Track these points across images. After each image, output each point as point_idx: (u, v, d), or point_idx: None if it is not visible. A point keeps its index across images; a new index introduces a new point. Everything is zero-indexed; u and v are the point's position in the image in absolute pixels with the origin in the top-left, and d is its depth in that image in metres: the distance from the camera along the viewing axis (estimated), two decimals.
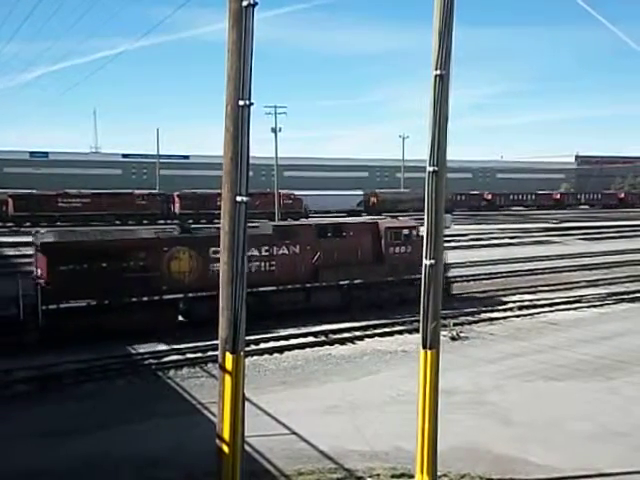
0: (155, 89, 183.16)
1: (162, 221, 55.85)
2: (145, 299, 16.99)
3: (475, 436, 10.48)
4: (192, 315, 17.68)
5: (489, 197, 79.01)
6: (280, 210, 49.24)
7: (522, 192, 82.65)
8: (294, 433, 10.49)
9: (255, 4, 6.50)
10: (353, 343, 16.91)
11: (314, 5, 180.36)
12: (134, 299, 16.81)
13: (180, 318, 18.03)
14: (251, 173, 6.86)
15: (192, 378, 13.72)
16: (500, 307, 21.03)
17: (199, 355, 15.07)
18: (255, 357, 15.18)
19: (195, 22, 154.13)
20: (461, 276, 25.71)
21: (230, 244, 6.88)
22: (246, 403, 7.53)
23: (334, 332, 17.54)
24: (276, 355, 15.57)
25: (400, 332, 17.77)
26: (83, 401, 12.32)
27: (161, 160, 78.48)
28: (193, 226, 23.00)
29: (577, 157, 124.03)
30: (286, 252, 19.36)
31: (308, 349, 16.17)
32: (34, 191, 57.42)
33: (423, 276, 7.84)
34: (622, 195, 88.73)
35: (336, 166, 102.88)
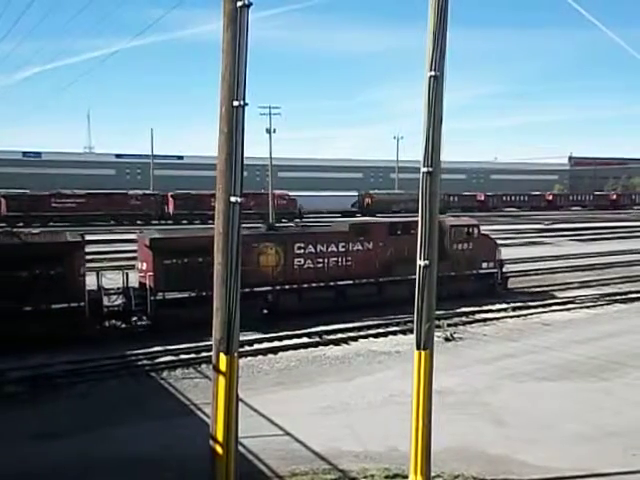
0: (149, 89, 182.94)
1: (156, 222, 55.77)
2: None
3: (469, 436, 10.50)
4: (279, 307, 18.99)
5: (482, 198, 79.13)
6: (274, 210, 49.22)
7: (514, 193, 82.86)
8: (288, 434, 10.48)
9: (250, 5, 6.50)
10: (347, 344, 16.91)
11: (307, 6, 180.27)
12: None
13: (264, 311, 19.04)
14: (245, 173, 6.85)
15: (186, 379, 13.68)
16: (494, 308, 21.09)
17: (193, 356, 15.03)
18: (249, 358, 15.15)
19: (189, 22, 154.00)
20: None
21: (224, 245, 6.86)
22: (240, 404, 7.50)
23: (328, 333, 17.55)
24: (270, 356, 15.55)
25: (394, 333, 17.79)
26: (75, 401, 12.27)
27: (155, 160, 78.36)
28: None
29: (570, 158, 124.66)
30: (361, 248, 20.59)
31: (302, 350, 16.16)
32: (27, 191, 57.20)
33: (417, 277, 7.85)
34: (614, 196, 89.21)
35: (331, 167, 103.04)
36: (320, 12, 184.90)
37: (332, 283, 19.81)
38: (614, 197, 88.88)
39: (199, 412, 11.29)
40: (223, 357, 6.92)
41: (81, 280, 16.25)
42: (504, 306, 21.19)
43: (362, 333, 17.73)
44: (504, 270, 23.78)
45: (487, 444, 10.22)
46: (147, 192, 62.88)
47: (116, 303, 17.14)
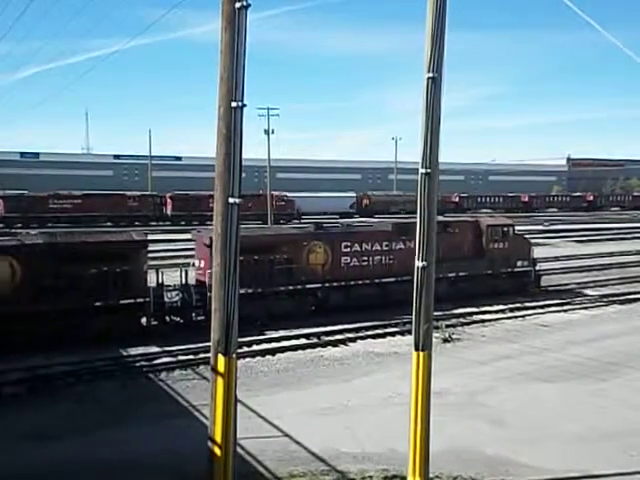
0: (148, 90, 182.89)
1: (154, 223, 55.71)
2: (290, 288, 19.15)
3: (467, 438, 10.51)
4: (329, 302, 19.89)
5: (456, 199, 77.26)
6: (272, 212, 49.20)
7: (490, 194, 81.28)
8: (286, 435, 10.47)
9: (248, 6, 6.50)
10: (345, 345, 16.91)
11: (306, 7, 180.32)
12: (281, 288, 18.93)
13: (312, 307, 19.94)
14: (244, 174, 6.85)
15: (184, 380, 13.66)
16: (492, 309, 21.11)
17: (191, 357, 15.02)
18: (247, 359, 15.14)
19: (188, 23, 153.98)
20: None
21: (222, 246, 6.85)
22: (238, 405, 7.50)
23: (326, 334, 17.54)
24: (268, 357, 15.55)
25: (392, 334, 17.78)
26: (73, 403, 12.25)
27: (153, 161, 78.29)
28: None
29: (569, 159, 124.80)
30: (402, 247, 21.27)
31: (300, 351, 16.15)
32: (25, 192, 57.10)
33: (415, 278, 7.86)
34: (590, 197, 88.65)
35: (329, 168, 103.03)
36: (319, 13, 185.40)
37: (377, 280, 20.58)
38: (590, 198, 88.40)
39: (197, 414, 11.28)
40: (221, 358, 6.92)
41: (145, 277, 17.06)
42: (502, 307, 21.23)
43: (360, 334, 17.72)
44: (537, 268, 24.51)
45: (485, 445, 10.22)
46: (145, 193, 62.81)
47: (174, 300, 17.82)
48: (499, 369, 14.59)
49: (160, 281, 17.61)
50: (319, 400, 12.40)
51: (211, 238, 19.00)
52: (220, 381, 6.92)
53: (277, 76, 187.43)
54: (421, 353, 7.85)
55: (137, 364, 14.76)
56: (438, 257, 21.74)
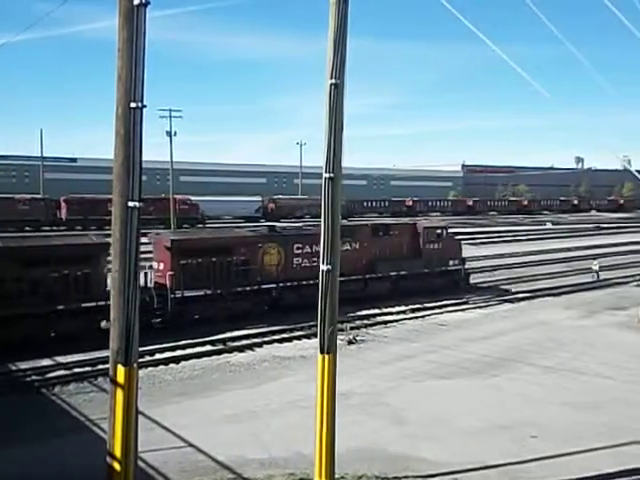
0: (39, 87, 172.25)
1: (47, 228, 52.55)
2: (248, 289, 19.78)
3: (371, 437, 10.76)
4: (282, 302, 20.50)
5: (343, 204, 77.79)
6: (176, 216, 47.93)
7: (375, 199, 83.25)
8: (191, 445, 10.21)
9: (147, 3, 6.30)
10: (252, 350, 16.79)
11: (208, 7, 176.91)
12: (239, 289, 19.48)
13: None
14: (145, 177, 6.62)
15: (80, 394, 12.98)
16: (394, 310, 21.79)
17: (88, 369, 14.29)
18: (150, 368, 14.64)
19: (83, 18, 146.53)
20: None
21: (122, 251, 6.58)
22: (140, 417, 7.21)
23: (233, 339, 17.34)
24: (172, 365, 15.12)
25: (299, 337, 17.90)
26: None
27: (45, 163, 73.85)
28: None
29: (463, 166, 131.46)
30: (349, 248, 22.27)
31: (206, 358, 15.85)
32: None
33: (320, 281, 7.94)
34: (470, 202, 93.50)
35: (234, 172, 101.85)
36: (221, 15, 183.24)
37: None
38: (470, 203, 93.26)
39: (96, 428, 10.73)
40: (121, 369, 6.63)
41: (105, 280, 16.30)
42: (404, 308, 21.98)
43: (267, 339, 17.68)
44: (466, 267, 26.57)
45: (389, 443, 10.51)
46: (36, 196, 59.06)
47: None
48: (401, 368, 15.08)
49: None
50: (225, 407, 12.22)
51: (172, 240, 19.41)
52: (120, 393, 6.63)
53: (184, 78, 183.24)
54: (326, 356, 7.94)
55: (27, 379, 13.82)
56: (382, 257, 23.21)
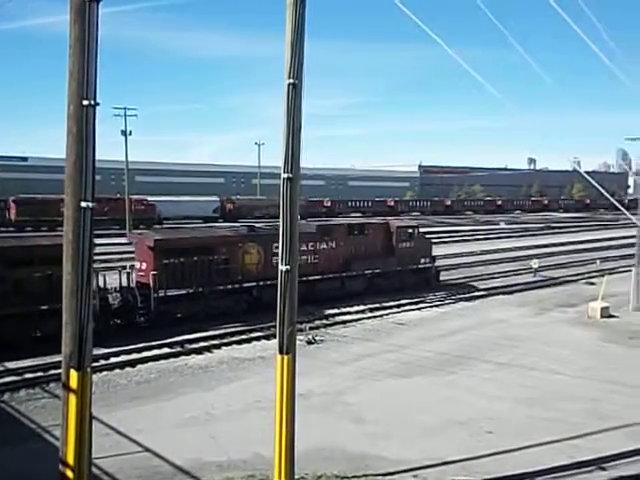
0: None
1: None
2: (229, 287, 20.04)
3: (330, 437, 10.79)
4: (262, 300, 20.19)
5: (329, 204, 78.92)
6: (131, 216, 47.02)
7: (361, 199, 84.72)
8: (147, 450, 10.03)
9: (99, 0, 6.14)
10: (210, 352, 16.60)
11: (159, 5, 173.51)
12: (220, 287, 19.69)
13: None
14: (98, 177, 6.46)
15: (31, 400, 12.57)
16: (353, 309, 21.92)
17: (39, 375, 13.86)
18: (105, 372, 14.31)
19: (35, 13, 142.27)
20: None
21: (74, 253, 6.39)
22: (94, 422, 7.04)
23: (190, 342, 17.11)
24: (128, 369, 14.81)
25: (258, 338, 17.79)
26: None
27: None
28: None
29: (420, 167, 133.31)
30: (326, 247, 23.06)
31: (163, 361, 15.59)
32: None
33: (279, 282, 7.91)
34: (448, 203, 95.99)
35: (192, 172, 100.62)
36: (174, 12, 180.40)
37: (304, 278, 20.77)
38: (449, 203, 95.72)
39: (47, 435, 10.42)
40: (74, 373, 6.44)
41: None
42: (362, 307, 22.14)
43: (225, 340, 17.52)
44: (436, 264, 27.63)
45: (348, 442, 10.57)
46: None
47: (117, 301, 17.85)
48: (360, 368, 15.18)
49: (99, 284, 17.07)
50: (182, 410, 12.05)
51: (155, 240, 19.44)
52: (73, 398, 6.43)
53: (131, 75, 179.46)
54: (285, 356, 7.92)
55: None
56: (358, 256, 23.82)
